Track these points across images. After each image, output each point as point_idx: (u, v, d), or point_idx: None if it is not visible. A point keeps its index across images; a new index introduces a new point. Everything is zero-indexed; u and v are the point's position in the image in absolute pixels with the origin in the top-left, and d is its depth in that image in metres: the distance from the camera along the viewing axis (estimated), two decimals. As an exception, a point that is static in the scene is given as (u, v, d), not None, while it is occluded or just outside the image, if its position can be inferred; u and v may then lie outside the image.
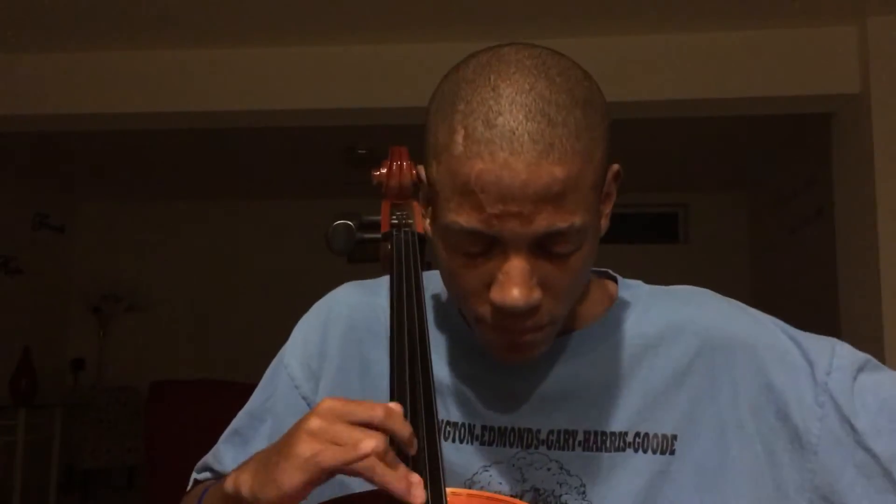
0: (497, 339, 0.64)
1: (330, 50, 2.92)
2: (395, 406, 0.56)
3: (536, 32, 2.50)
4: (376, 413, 0.54)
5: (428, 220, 0.70)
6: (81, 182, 5.08)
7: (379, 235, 0.79)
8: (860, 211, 2.74)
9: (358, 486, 0.59)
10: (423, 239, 0.77)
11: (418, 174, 0.70)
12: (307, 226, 4.54)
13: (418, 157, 0.75)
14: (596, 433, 0.69)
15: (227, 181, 5.03)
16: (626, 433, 0.68)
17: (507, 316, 0.61)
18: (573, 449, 0.69)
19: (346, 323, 0.78)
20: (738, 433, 0.68)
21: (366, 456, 0.52)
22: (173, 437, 3.91)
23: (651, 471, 0.67)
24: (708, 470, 0.67)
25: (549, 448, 0.69)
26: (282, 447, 0.55)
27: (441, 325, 0.75)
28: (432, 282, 0.78)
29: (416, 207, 0.82)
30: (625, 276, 0.78)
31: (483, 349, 0.68)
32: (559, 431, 0.69)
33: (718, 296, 0.76)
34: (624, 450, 0.68)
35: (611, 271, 0.79)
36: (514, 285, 0.59)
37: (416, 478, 0.54)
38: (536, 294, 0.60)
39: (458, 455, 0.69)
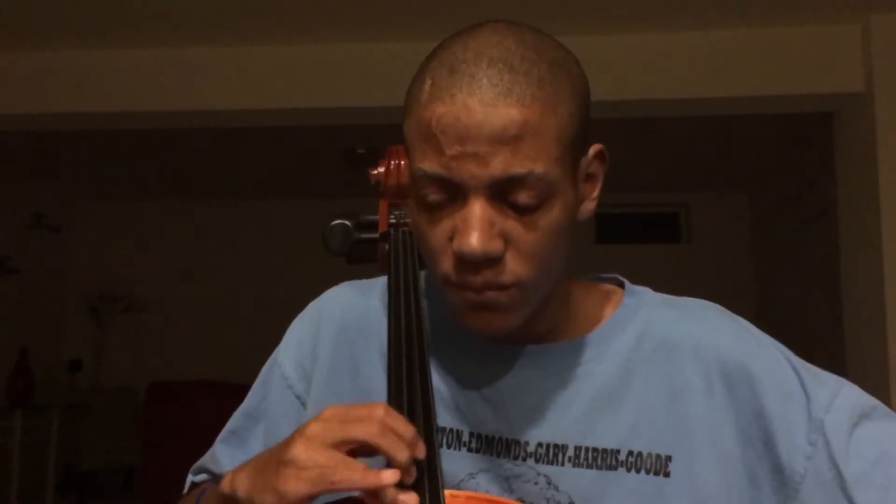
0: (461, 299, 0.63)
1: (330, 48, 2.91)
2: (397, 421, 0.55)
3: (537, 30, 2.49)
4: (371, 431, 0.54)
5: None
6: (78, 182, 5.07)
7: (376, 235, 0.79)
8: (864, 210, 2.73)
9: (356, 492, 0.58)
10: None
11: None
12: (307, 226, 4.51)
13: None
14: (587, 449, 0.67)
15: (226, 181, 5.02)
16: (618, 451, 0.66)
17: (467, 268, 0.60)
18: (562, 464, 0.67)
19: (338, 323, 0.77)
20: (728, 458, 0.66)
21: (376, 486, 0.51)
22: (171, 438, 3.90)
23: (645, 492, 0.65)
24: (704, 495, 0.65)
25: (536, 461, 0.67)
26: (281, 453, 0.54)
27: (434, 327, 0.74)
28: (427, 281, 0.77)
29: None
30: (626, 276, 0.76)
31: (462, 331, 0.67)
32: (547, 445, 0.67)
33: (726, 313, 0.73)
34: (616, 468, 0.66)
35: (619, 276, 0.76)
36: (472, 230, 0.59)
37: (412, 497, 0.53)
38: (496, 243, 0.60)
39: (445, 461, 0.68)
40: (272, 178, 4.95)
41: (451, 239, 0.61)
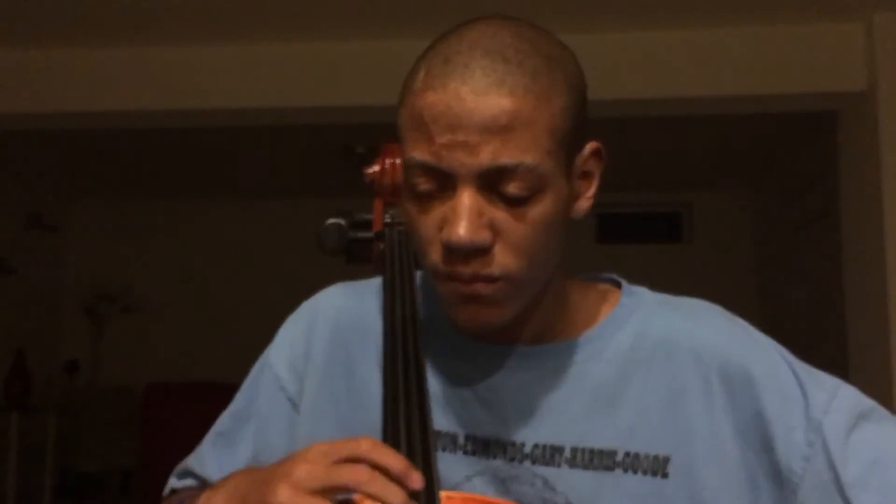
0: (450, 291, 0.62)
1: (329, 47, 2.90)
2: (385, 452, 0.55)
3: (537, 28, 2.48)
4: (361, 449, 0.54)
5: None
6: (75, 182, 5.07)
7: (371, 234, 0.78)
8: (866, 210, 2.72)
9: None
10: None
11: None
12: (305, 225, 4.50)
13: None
14: (583, 450, 0.66)
15: (225, 180, 5.02)
16: (615, 452, 0.66)
17: (456, 259, 0.60)
18: (559, 465, 0.66)
19: (332, 325, 0.76)
20: (726, 460, 0.65)
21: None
22: (169, 439, 3.88)
23: (642, 493, 0.65)
24: (702, 496, 0.64)
25: (533, 463, 0.66)
26: (265, 491, 0.53)
27: (429, 328, 0.72)
28: (424, 281, 0.76)
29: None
30: (628, 275, 0.75)
31: (454, 327, 0.66)
32: (544, 446, 0.66)
33: (725, 314, 0.72)
34: (613, 469, 0.65)
35: (616, 276, 0.75)
36: (460, 220, 0.59)
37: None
38: (484, 233, 0.59)
39: (441, 464, 0.67)
40: (271, 178, 4.95)
41: (440, 229, 0.61)
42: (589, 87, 0.67)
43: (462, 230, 0.59)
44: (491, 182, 0.60)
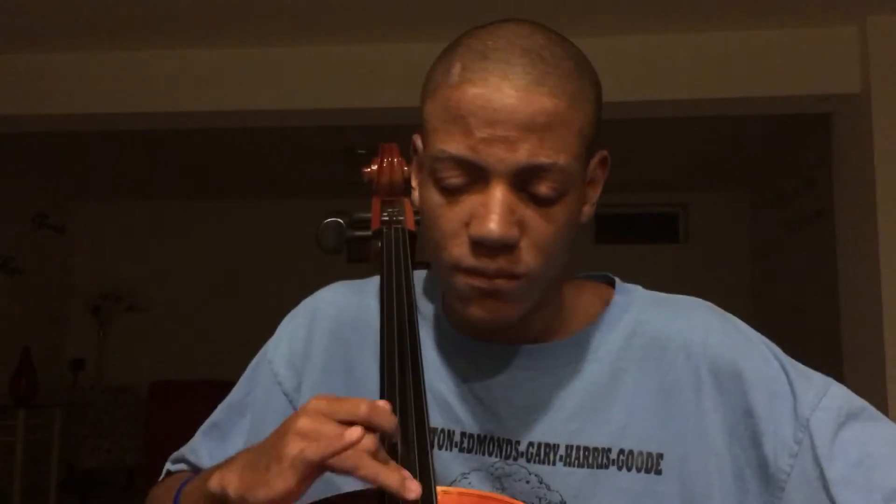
0: (470, 285, 0.62)
1: (330, 50, 2.91)
2: (382, 402, 0.55)
3: (535, 32, 2.48)
4: (361, 410, 0.53)
5: (416, 192, 0.69)
6: (81, 182, 5.07)
7: (369, 233, 0.78)
8: (860, 211, 2.73)
9: (348, 487, 0.59)
10: (413, 236, 0.76)
11: (413, 145, 0.70)
12: (307, 226, 4.52)
13: (409, 154, 0.74)
14: (578, 448, 0.67)
15: (227, 181, 5.02)
16: (609, 449, 0.66)
17: (483, 254, 0.60)
18: (553, 463, 0.67)
19: (332, 323, 0.76)
20: (717, 455, 0.66)
21: (350, 445, 0.51)
22: (173, 437, 3.88)
23: (636, 490, 0.65)
24: (695, 493, 0.65)
25: (528, 461, 0.67)
26: (269, 448, 0.54)
27: (427, 326, 0.74)
28: (421, 280, 0.77)
29: (407, 204, 0.81)
30: (625, 275, 0.76)
31: (459, 323, 0.66)
32: (539, 444, 0.67)
33: (716, 311, 0.73)
34: (607, 467, 0.66)
35: (609, 274, 0.76)
36: (493, 214, 0.59)
37: (408, 472, 0.53)
38: (514, 231, 0.60)
39: (437, 461, 0.67)
40: (274, 179, 4.95)
41: (466, 224, 0.61)
42: None
43: (494, 225, 0.58)
44: (523, 180, 0.60)
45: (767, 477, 0.64)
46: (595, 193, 0.68)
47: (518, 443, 0.67)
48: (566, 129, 0.59)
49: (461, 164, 0.60)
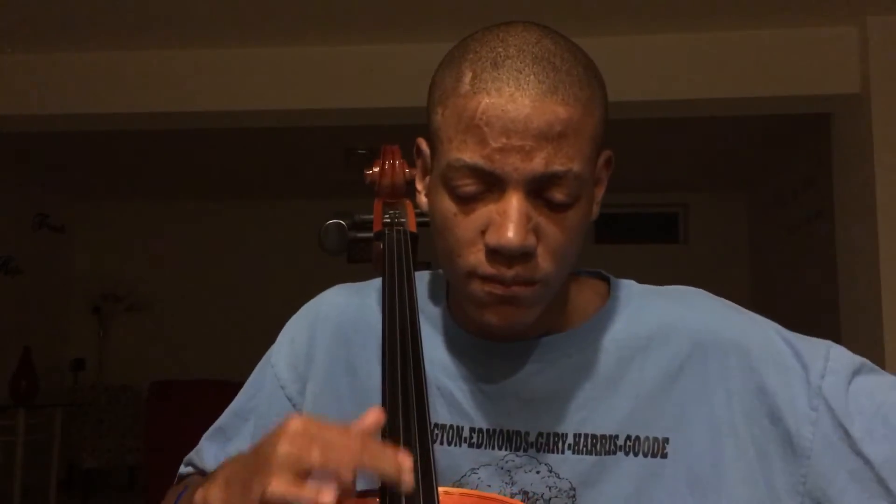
0: (486, 292, 0.62)
1: (331, 50, 2.91)
2: (371, 418, 0.53)
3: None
4: (337, 455, 0.50)
5: (423, 194, 0.70)
6: (82, 182, 5.07)
7: (371, 235, 0.78)
8: (860, 211, 2.73)
9: (357, 484, 0.57)
10: (415, 238, 0.77)
11: (418, 148, 0.70)
12: (307, 226, 4.53)
13: (411, 156, 0.74)
14: (586, 436, 0.68)
15: (228, 181, 5.03)
16: (616, 436, 0.67)
17: (501, 262, 0.61)
18: (562, 452, 0.68)
19: (334, 325, 0.77)
20: (731, 436, 0.66)
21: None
22: (173, 436, 3.89)
23: (642, 474, 0.66)
24: (701, 474, 0.66)
25: (537, 451, 0.68)
26: (251, 464, 0.52)
27: (431, 325, 0.74)
28: (424, 281, 0.78)
29: (409, 206, 0.81)
30: (625, 275, 0.77)
31: (471, 324, 0.67)
32: (548, 434, 0.68)
33: (712, 296, 0.74)
34: (615, 453, 0.67)
35: (603, 271, 0.78)
36: (510, 223, 0.59)
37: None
38: (532, 239, 0.60)
39: (446, 457, 0.69)
40: (274, 179, 4.95)
41: (482, 232, 0.61)
42: None
43: (513, 234, 0.59)
44: (539, 188, 0.60)
45: (792, 448, 0.65)
46: (600, 193, 0.69)
47: (527, 434, 0.68)
48: (579, 135, 0.60)
49: (477, 172, 0.60)
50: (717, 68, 2.77)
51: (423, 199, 0.70)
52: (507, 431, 0.69)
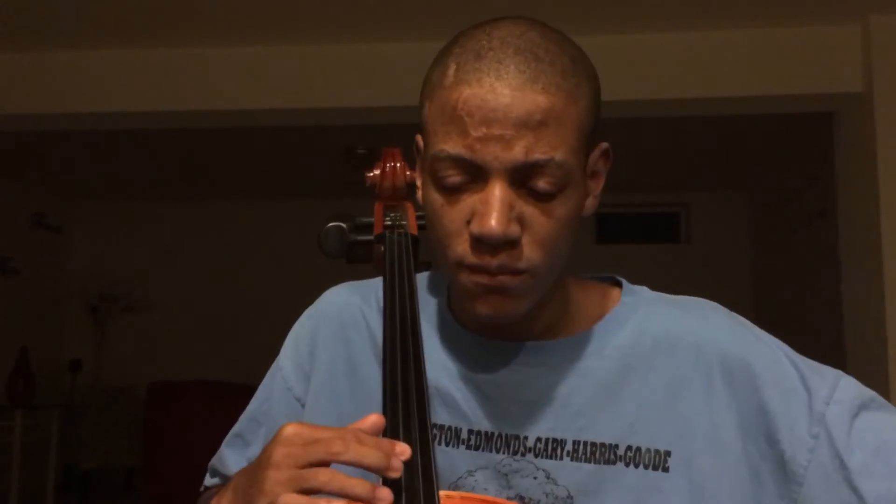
0: (473, 282, 0.63)
1: (329, 48, 2.90)
2: (370, 421, 0.53)
3: (536, 31, 2.48)
4: (335, 449, 0.51)
5: (420, 192, 0.70)
6: (79, 182, 5.07)
7: (372, 237, 0.79)
8: (863, 211, 2.72)
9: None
10: (416, 240, 0.77)
11: (416, 145, 0.70)
12: (306, 226, 4.52)
13: (411, 158, 0.74)
14: (585, 443, 0.67)
15: (225, 181, 5.02)
16: (616, 445, 0.66)
17: (485, 251, 0.61)
18: (561, 458, 0.67)
19: (334, 323, 0.77)
20: (729, 453, 0.66)
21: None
22: (171, 437, 3.90)
23: (642, 487, 0.65)
24: (703, 490, 0.65)
25: (536, 456, 0.67)
26: (252, 476, 0.54)
27: (432, 325, 0.74)
28: (425, 282, 0.78)
29: (410, 208, 0.82)
30: (626, 275, 0.76)
31: (466, 322, 0.67)
32: (547, 439, 0.67)
33: (724, 310, 0.73)
34: (614, 463, 0.66)
35: (617, 276, 0.77)
36: (492, 212, 0.60)
37: (385, 492, 0.51)
38: (514, 227, 0.61)
39: (443, 458, 0.68)
40: (272, 178, 4.95)
41: (468, 222, 0.62)
42: None
43: (494, 222, 0.60)
44: (522, 177, 0.61)
45: (784, 472, 0.64)
46: (598, 186, 0.69)
47: (526, 438, 0.68)
48: (562, 125, 0.60)
49: (459, 163, 0.61)
50: (719, 67, 2.76)
51: (420, 194, 0.70)
52: (506, 435, 0.68)
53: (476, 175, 0.61)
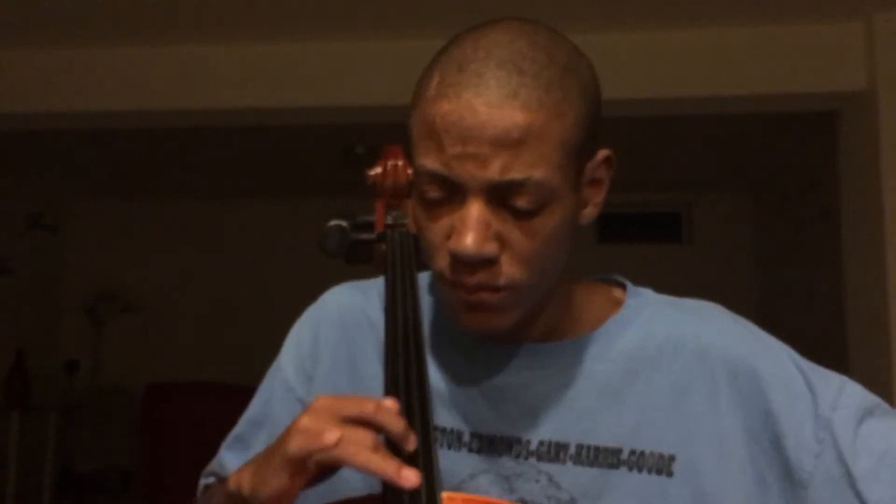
0: (455, 297, 0.63)
1: (328, 46, 2.90)
2: (389, 402, 0.55)
3: (537, 28, 2.48)
4: (367, 408, 0.54)
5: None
6: (76, 182, 5.06)
7: (373, 236, 0.78)
8: (866, 210, 2.72)
9: (360, 487, 0.60)
10: (417, 239, 0.75)
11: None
12: (305, 225, 4.51)
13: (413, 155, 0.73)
14: (588, 447, 0.66)
15: (224, 180, 5.01)
16: (620, 449, 0.66)
17: (462, 268, 0.61)
18: (564, 462, 0.66)
19: (336, 324, 0.77)
20: (734, 457, 0.65)
21: (330, 446, 0.51)
22: (169, 439, 3.89)
23: (647, 492, 0.65)
24: (707, 494, 0.64)
25: (538, 459, 0.67)
26: (276, 446, 0.55)
27: (433, 327, 0.73)
28: (426, 282, 0.77)
29: (411, 207, 0.80)
30: (628, 276, 0.75)
31: (458, 327, 0.66)
32: (549, 443, 0.67)
33: (729, 314, 0.73)
34: (618, 467, 0.65)
35: (620, 278, 0.76)
36: (468, 231, 0.59)
37: (405, 464, 0.52)
38: (491, 246, 0.60)
39: (445, 462, 0.67)
40: (272, 178, 4.94)
41: (448, 237, 0.62)
42: None
43: (469, 241, 0.59)
44: (500, 195, 0.60)
45: (790, 477, 0.64)
46: (599, 193, 0.67)
47: (529, 441, 0.67)
48: (542, 141, 0.59)
49: (437, 179, 0.61)
50: (721, 65, 2.76)
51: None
52: (509, 438, 0.68)
53: (454, 192, 0.61)
